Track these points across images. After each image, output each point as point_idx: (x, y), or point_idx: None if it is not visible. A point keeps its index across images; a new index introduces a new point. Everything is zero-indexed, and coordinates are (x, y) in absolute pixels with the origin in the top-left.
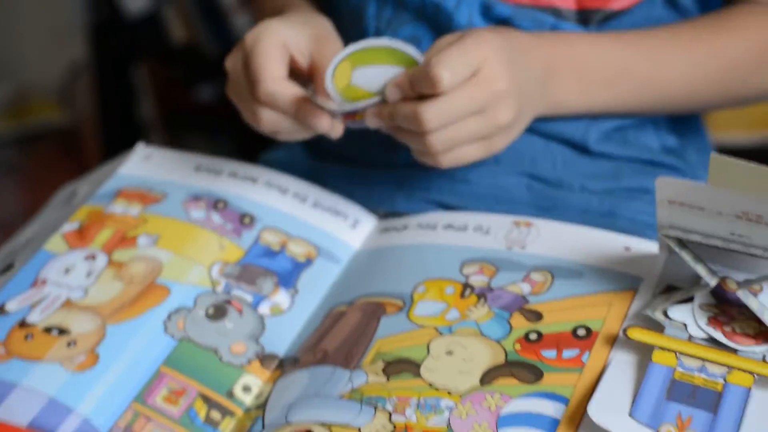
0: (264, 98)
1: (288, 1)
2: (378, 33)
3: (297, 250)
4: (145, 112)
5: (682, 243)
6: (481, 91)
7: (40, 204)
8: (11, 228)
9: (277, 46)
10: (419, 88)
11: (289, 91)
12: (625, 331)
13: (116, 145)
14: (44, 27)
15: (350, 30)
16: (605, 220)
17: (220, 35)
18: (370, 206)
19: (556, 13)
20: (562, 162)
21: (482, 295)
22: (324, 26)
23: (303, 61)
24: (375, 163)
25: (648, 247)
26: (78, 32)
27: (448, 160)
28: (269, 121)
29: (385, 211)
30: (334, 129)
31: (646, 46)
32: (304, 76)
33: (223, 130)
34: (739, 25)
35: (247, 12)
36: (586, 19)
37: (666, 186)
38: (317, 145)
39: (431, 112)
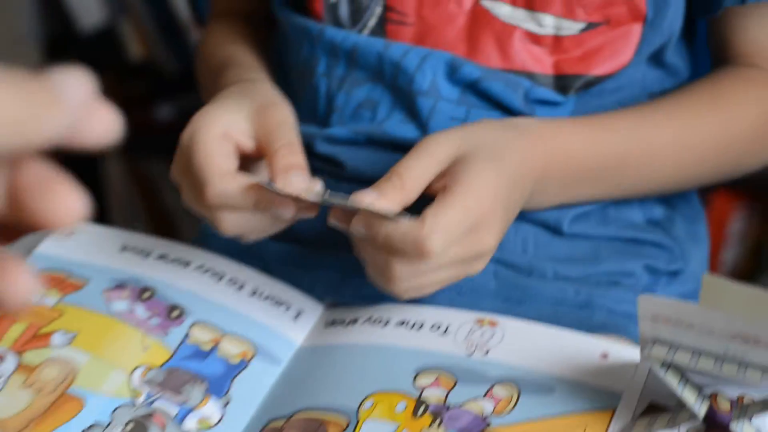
0: (216, 201)
1: (230, 59)
2: (329, 93)
3: (231, 349)
4: None
5: (667, 365)
6: (468, 251)
7: None
8: None
9: (217, 139)
10: (401, 248)
11: (240, 185)
12: None
13: (76, 168)
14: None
15: (299, 85)
16: (581, 312)
17: (178, 51)
18: (316, 294)
19: (531, 77)
20: (534, 245)
21: (437, 414)
22: (264, 93)
23: (248, 144)
24: (324, 243)
25: (628, 353)
26: (32, 46)
27: (408, 296)
28: (232, 225)
29: (333, 299)
30: (308, 211)
31: (642, 134)
32: (253, 158)
33: None
34: (737, 100)
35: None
36: (564, 86)
37: (650, 304)
38: None
39: (406, 272)
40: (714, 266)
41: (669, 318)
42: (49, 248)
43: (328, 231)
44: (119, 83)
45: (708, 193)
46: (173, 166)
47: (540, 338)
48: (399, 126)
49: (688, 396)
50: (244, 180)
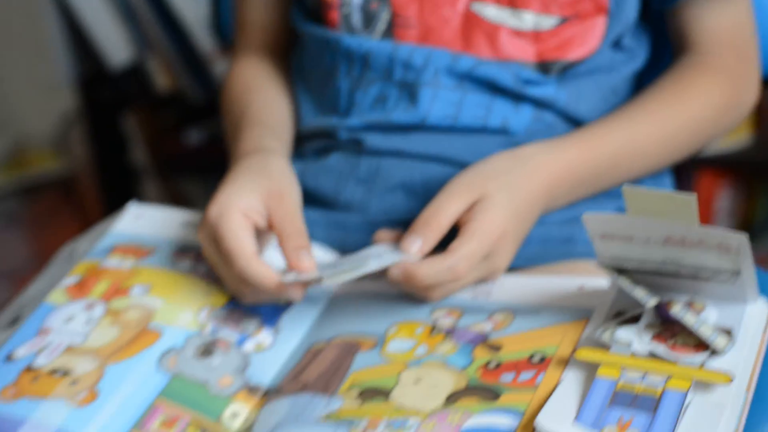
0: (240, 276)
1: (252, 115)
2: (350, 92)
3: None
4: (138, 159)
5: (621, 270)
6: (485, 273)
7: (43, 251)
8: (17, 276)
9: (240, 222)
10: (434, 273)
11: (261, 271)
12: (574, 352)
13: (113, 192)
14: (35, 80)
15: (321, 85)
16: (564, 247)
17: (201, 81)
18: (346, 251)
19: (518, 63)
20: None
21: (449, 333)
22: (275, 177)
23: (262, 223)
24: (351, 207)
25: (601, 283)
26: (67, 85)
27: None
28: (250, 297)
29: None
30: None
31: (628, 137)
32: (265, 231)
33: (214, 168)
34: (701, 90)
35: (225, 59)
36: (545, 69)
37: (593, 221)
38: None
39: (439, 293)
40: None
41: (612, 233)
42: (123, 227)
43: (355, 196)
44: (150, 114)
45: (694, 172)
46: (199, 231)
47: (531, 282)
48: (404, 114)
49: (639, 292)
50: (264, 269)
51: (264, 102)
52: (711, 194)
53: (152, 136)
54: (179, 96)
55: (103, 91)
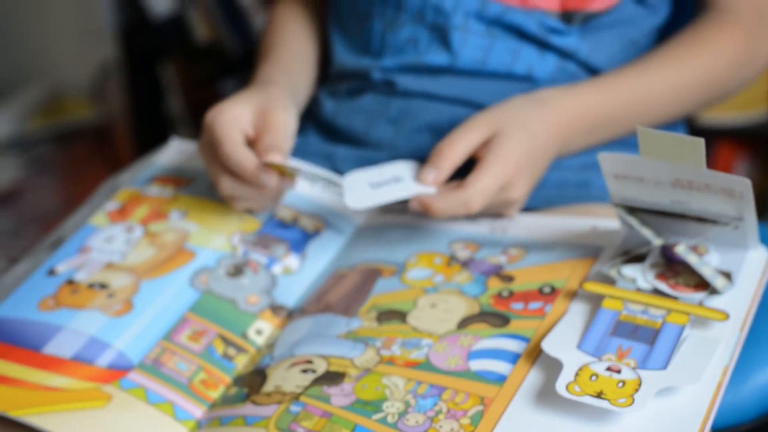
0: (223, 159)
1: (274, 51)
2: (383, 33)
3: (307, 223)
4: (173, 108)
5: (631, 210)
6: (498, 204)
7: (76, 198)
8: (50, 220)
9: (230, 120)
10: (449, 207)
11: (242, 154)
12: (581, 285)
13: (147, 140)
14: (75, 29)
15: (355, 27)
16: (580, 190)
17: (241, 34)
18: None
19: (542, 11)
20: None
21: (466, 264)
22: (270, 98)
23: (251, 131)
24: (380, 145)
25: (613, 224)
26: (107, 34)
27: None
28: (227, 186)
29: None
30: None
31: (642, 85)
32: (253, 145)
33: None
34: (716, 44)
35: (265, 12)
36: (569, 18)
37: (608, 161)
38: (329, 127)
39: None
40: None
41: (625, 173)
42: (165, 160)
43: (385, 134)
44: (189, 64)
45: (713, 144)
46: (200, 141)
47: (546, 221)
48: (435, 56)
49: (647, 231)
50: (248, 153)
51: (289, 43)
52: (729, 166)
53: (189, 87)
54: (218, 47)
55: (142, 40)
